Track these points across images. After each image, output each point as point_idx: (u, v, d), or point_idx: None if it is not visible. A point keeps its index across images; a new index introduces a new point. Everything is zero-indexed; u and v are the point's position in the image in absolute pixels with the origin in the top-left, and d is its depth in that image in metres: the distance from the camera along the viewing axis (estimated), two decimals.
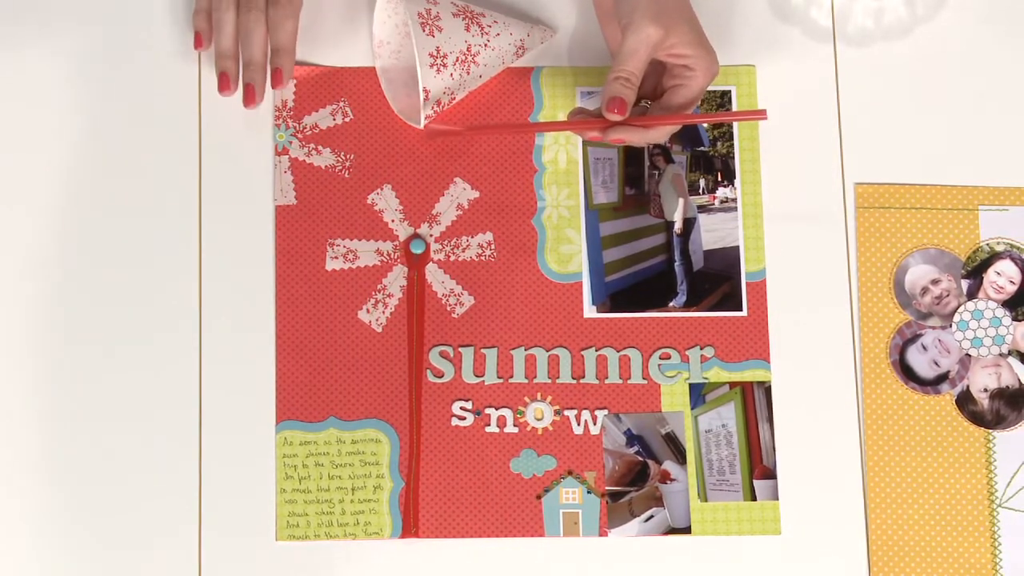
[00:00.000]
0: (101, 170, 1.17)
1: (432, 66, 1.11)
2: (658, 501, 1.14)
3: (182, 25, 1.19)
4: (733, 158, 1.19)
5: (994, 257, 1.18)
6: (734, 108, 1.19)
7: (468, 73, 1.14)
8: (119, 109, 1.18)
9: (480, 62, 1.15)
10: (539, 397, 1.15)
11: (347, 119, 1.19)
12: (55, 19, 1.19)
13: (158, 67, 1.18)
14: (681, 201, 1.19)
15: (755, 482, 1.15)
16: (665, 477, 1.14)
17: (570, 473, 1.14)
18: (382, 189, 1.18)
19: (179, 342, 1.15)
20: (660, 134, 1.10)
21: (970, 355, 1.17)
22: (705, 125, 1.19)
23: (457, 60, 1.13)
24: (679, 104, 1.10)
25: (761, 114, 1.09)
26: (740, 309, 1.17)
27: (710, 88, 1.18)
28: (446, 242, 1.17)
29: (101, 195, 1.16)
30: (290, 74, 1.14)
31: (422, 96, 1.12)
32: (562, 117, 1.19)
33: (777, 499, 1.14)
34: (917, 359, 1.17)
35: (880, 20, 1.22)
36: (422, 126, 1.15)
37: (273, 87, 1.14)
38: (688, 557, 1.13)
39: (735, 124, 1.19)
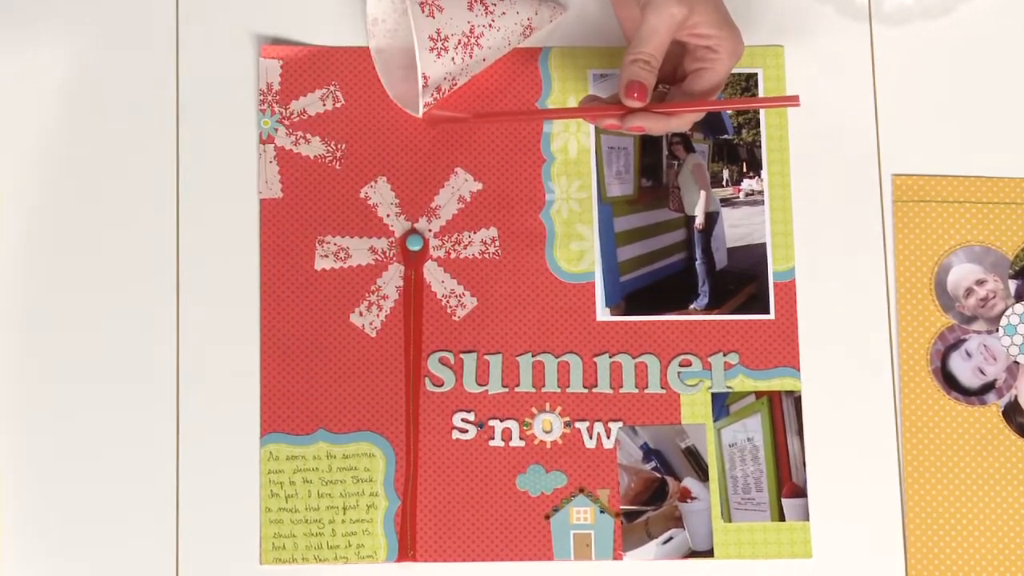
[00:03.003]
0: (70, 162, 1.17)
1: (432, 50, 1.11)
2: (677, 522, 1.14)
3: (158, 9, 1.19)
4: (759, 147, 1.19)
5: None
6: (760, 92, 1.20)
7: (471, 56, 1.14)
8: (89, 96, 1.18)
9: (484, 44, 1.14)
10: (548, 408, 1.16)
11: (338, 104, 1.19)
12: (27, 7, 1.19)
13: (132, 52, 1.19)
14: (703, 194, 1.19)
15: (783, 501, 1.15)
16: (685, 495, 1.14)
17: (581, 491, 1.14)
18: (376, 181, 1.18)
19: (155, 348, 1.15)
20: (683, 122, 1.10)
21: (1018, 362, 1.17)
22: (729, 111, 1.19)
23: (459, 43, 1.13)
24: (703, 89, 1.09)
25: (793, 100, 1.08)
26: (767, 312, 1.17)
27: (734, 71, 1.18)
28: (446, 238, 1.17)
29: (70, 190, 1.17)
30: None
31: (421, 83, 1.11)
32: (573, 103, 1.19)
33: (807, 520, 1.14)
34: (960, 367, 1.17)
35: None
36: (420, 114, 1.14)
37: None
38: None
39: (762, 110, 1.19)
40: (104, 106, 1.18)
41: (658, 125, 1.08)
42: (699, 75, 1.09)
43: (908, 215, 1.18)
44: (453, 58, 1.12)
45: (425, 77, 1.11)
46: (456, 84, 1.15)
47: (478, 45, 1.14)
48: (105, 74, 1.18)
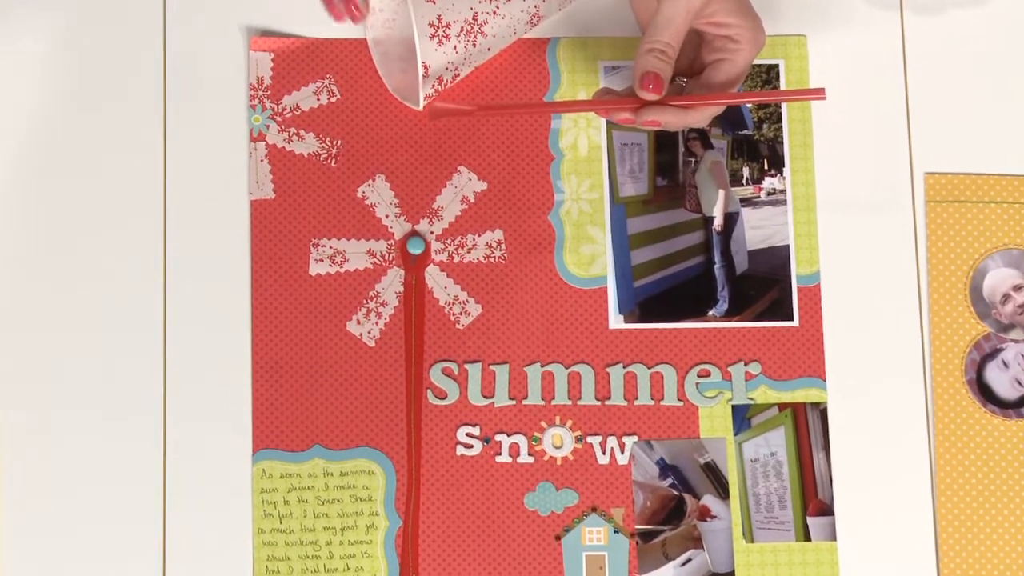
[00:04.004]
0: (50, 165, 1.17)
1: (432, 37, 1.10)
2: (696, 542, 1.14)
3: (146, 5, 1.19)
4: (782, 143, 1.19)
5: None
6: (782, 85, 1.20)
7: (474, 45, 1.12)
8: (71, 94, 1.18)
9: (488, 32, 1.13)
10: (558, 421, 1.15)
11: (333, 99, 1.18)
12: None
13: (115, 46, 1.18)
14: (721, 193, 1.19)
15: (809, 519, 1.14)
16: (704, 514, 1.14)
17: (594, 510, 1.14)
18: (374, 180, 1.17)
19: (140, 359, 1.14)
20: (701, 116, 1.08)
21: None
22: (749, 105, 1.19)
23: (462, 31, 1.11)
24: (722, 82, 1.08)
25: (819, 93, 1.07)
26: (790, 318, 1.17)
27: (754, 62, 1.16)
28: (449, 241, 1.17)
29: (50, 193, 1.16)
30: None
31: (421, 72, 1.10)
32: (583, 96, 1.19)
33: (835, 539, 1.14)
34: (997, 377, 1.17)
35: None
36: (421, 107, 1.13)
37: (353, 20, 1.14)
38: None
39: (784, 104, 1.19)
40: (86, 103, 1.17)
41: (674, 119, 1.07)
42: (718, 66, 1.08)
43: (941, 216, 1.18)
44: (455, 47, 1.11)
45: (425, 67, 1.10)
46: (459, 75, 1.14)
47: (482, 33, 1.12)
48: (88, 69, 1.18)
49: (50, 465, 1.12)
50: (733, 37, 1.07)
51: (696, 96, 1.07)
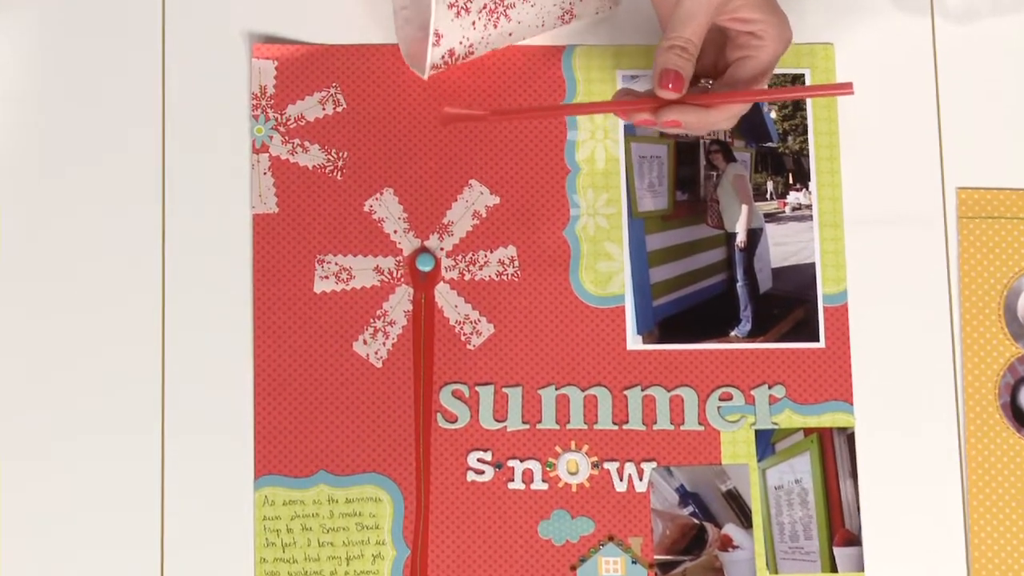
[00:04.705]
0: (46, 179, 1.16)
1: (452, 7, 1.09)
2: (718, 573, 1.13)
3: (142, 6, 1.19)
4: (807, 156, 1.19)
5: None
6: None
7: (495, 27, 1.12)
8: (68, 104, 1.17)
9: (513, 17, 1.13)
10: (573, 447, 1.15)
11: (339, 108, 1.18)
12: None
13: (114, 54, 1.18)
14: (744, 208, 1.18)
15: (835, 550, 1.14)
16: (726, 544, 1.14)
17: (611, 539, 1.13)
18: (382, 194, 1.17)
19: (139, 380, 1.14)
20: (724, 117, 1.07)
21: None
22: (773, 115, 1.18)
23: (484, 7, 1.11)
24: (745, 79, 1.07)
25: (846, 88, 1.05)
26: (816, 339, 1.16)
27: (777, 71, 1.18)
28: (460, 258, 1.16)
29: (48, 206, 1.16)
30: None
31: (431, 39, 1.10)
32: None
33: (862, 571, 1.14)
34: None
35: None
36: (426, 76, 1.13)
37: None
38: None
39: (810, 115, 1.19)
40: (84, 114, 1.17)
41: (696, 119, 1.06)
42: (741, 64, 1.07)
43: (974, 233, 1.17)
44: (474, 22, 1.11)
45: (438, 34, 1.10)
46: (473, 53, 1.14)
47: (506, 16, 1.12)
48: (85, 79, 1.17)
49: (46, 491, 1.12)
50: (757, 33, 1.06)
51: (718, 94, 1.06)
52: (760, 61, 1.06)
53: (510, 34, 1.14)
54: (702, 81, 1.09)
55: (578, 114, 1.18)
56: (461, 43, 1.12)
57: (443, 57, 1.12)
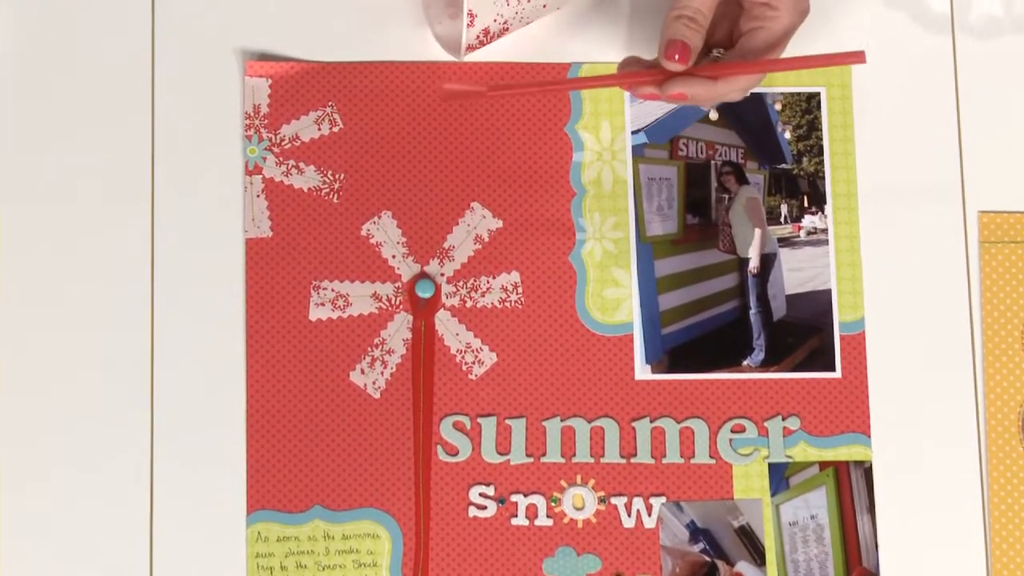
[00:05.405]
0: (31, 199, 1.16)
1: None
2: None
3: (131, 22, 1.19)
4: (823, 178, 1.19)
5: None
6: (824, 115, 1.19)
7: (529, 0, 1.12)
8: (55, 124, 1.17)
9: None
10: (579, 481, 1.14)
11: (335, 128, 1.17)
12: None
13: (102, 72, 1.18)
14: (757, 232, 1.18)
15: None
16: None
17: None
18: (380, 217, 1.16)
19: (126, 413, 1.13)
20: (731, 88, 1.06)
21: None
22: (787, 136, 1.18)
23: None
24: (756, 49, 1.06)
25: (858, 57, 1.04)
26: (832, 369, 1.16)
27: (793, 90, 1.18)
28: (461, 284, 1.16)
29: (33, 227, 1.15)
30: None
31: (465, 20, 1.10)
32: (607, 127, 1.18)
33: None
34: None
35: (1011, 6, 1.22)
36: (462, 57, 1.14)
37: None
38: None
39: (826, 135, 1.19)
40: (71, 133, 1.16)
41: (703, 91, 1.05)
42: (753, 35, 1.07)
43: (996, 258, 1.17)
44: None
45: (471, 15, 1.10)
46: (508, 29, 1.14)
47: None
48: (73, 97, 1.17)
49: (31, 526, 1.11)
50: (771, 3, 1.06)
51: (724, 64, 1.05)
52: (773, 32, 1.06)
53: (544, 6, 1.14)
54: (713, 51, 1.08)
55: (580, 88, 1.17)
56: (496, 20, 1.12)
57: (478, 36, 1.12)
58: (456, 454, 1.13)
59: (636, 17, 1.18)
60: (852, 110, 1.18)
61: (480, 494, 1.13)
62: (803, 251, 1.17)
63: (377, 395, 1.13)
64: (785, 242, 1.17)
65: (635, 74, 1.06)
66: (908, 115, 1.19)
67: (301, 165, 1.16)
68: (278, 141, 1.16)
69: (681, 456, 1.14)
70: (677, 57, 1.03)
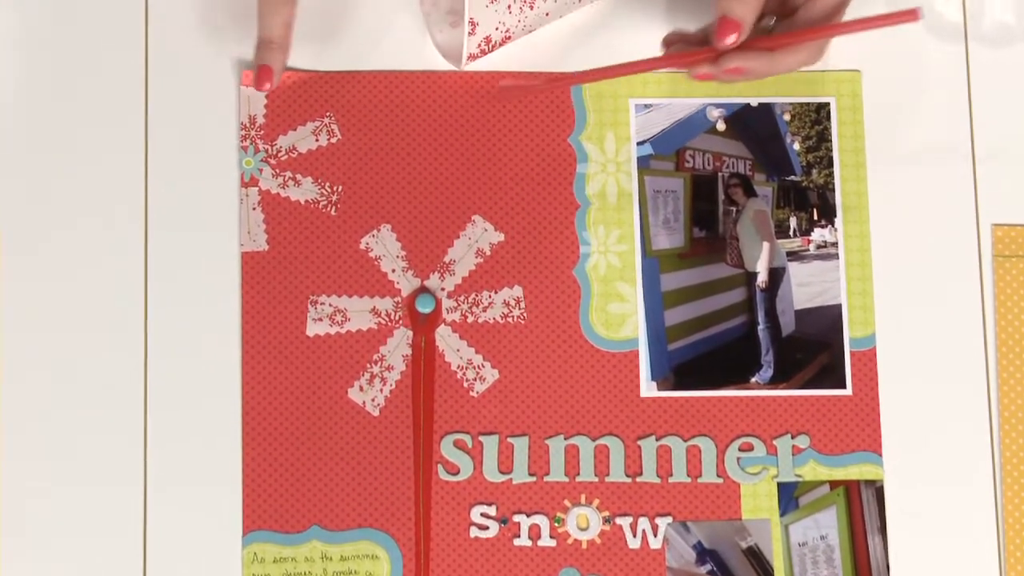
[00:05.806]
0: (25, 213, 1.16)
1: None
2: None
3: (124, 30, 1.19)
4: (833, 190, 1.18)
5: None
6: (834, 126, 1.18)
7: (531, 7, 1.12)
8: (47, 135, 1.17)
9: None
10: (583, 500, 1.13)
11: (333, 139, 1.17)
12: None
13: (94, 80, 1.17)
14: (766, 246, 1.18)
15: None
16: None
17: None
18: (379, 230, 1.16)
19: (118, 431, 1.13)
20: (792, 61, 1.06)
21: None
22: (796, 147, 1.18)
23: None
24: (817, 18, 1.05)
25: (912, 15, 1.02)
26: (843, 386, 1.15)
27: (803, 100, 1.18)
28: (462, 298, 1.15)
29: (27, 242, 1.15)
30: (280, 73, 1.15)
31: (467, 29, 1.10)
32: (611, 139, 1.17)
33: None
34: None
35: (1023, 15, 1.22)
36: (463, 66, 1.14)
37: (257, 87, 1.14)
38: None
39: (836, 146, 1.18)
40: (64, 145, 1.16)
41: (761, 64, 1.05)
42: (811, 5, 1.06)
43: (1011, 272, 1.16)
44: (509, 6, 1.11)
45: (472, 23, 1.10)
46: (510, 38, 1.14)
47: None
48: (66, 107, 1.17)
49: (26, 551, 1.11)
50: None
51: (784, 35, 1.05)
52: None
53: (547, 14, 1.14)
54: (763, 20, 1.08)
55: (631, 73, 1.15)
56: (498, 29, 1.12)
57: (479, 45, 1.11)
58: (457, 473, 1.13)
59: (640, 27, 1.18)
60: (863, 120, 1.18)
61: (482, 514, 1.12)
62: (812, 265, 1.17)
63: (376, 412, 1.13)
64: (794, 256, 1.17)
65: (685, 55, 1.06)
66: (920, 126, 1.19)
67: (298, 177, 1.16)
68: (274, 152, 1.16)
69: (688, 475, 1.13)
70: (730, 36, 1.02)
